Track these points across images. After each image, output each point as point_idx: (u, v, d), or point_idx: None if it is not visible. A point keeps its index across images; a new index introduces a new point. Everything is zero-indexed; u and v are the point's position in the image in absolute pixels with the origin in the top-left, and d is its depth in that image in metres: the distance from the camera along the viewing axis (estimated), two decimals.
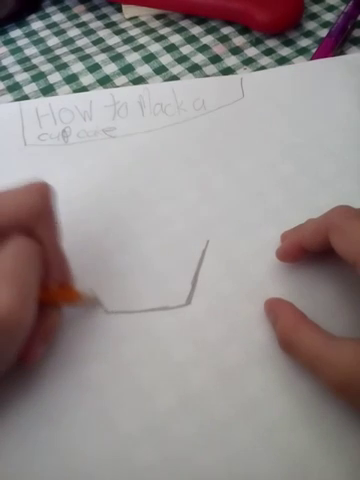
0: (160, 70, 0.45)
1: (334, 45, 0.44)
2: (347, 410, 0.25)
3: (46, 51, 0.48)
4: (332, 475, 0.24)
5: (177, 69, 0.45)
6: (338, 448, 0.24)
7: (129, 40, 0.48)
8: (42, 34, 0.50)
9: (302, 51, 0.46)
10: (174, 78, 0.44)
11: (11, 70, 0.46)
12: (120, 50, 0.47)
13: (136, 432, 0.25)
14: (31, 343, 0.25)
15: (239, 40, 0.47)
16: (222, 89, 0.41)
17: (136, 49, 0.47)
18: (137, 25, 0.50)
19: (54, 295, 0.27)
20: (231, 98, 0.40)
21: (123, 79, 0.44)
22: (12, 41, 0.49)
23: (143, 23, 0.50)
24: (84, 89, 0.44)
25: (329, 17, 0.49)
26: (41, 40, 0.49)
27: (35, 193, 0.25)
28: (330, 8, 0.50)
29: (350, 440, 0.24)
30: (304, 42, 0.47)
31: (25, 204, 0.25)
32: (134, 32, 0.49)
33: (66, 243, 0.32)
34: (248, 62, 0.45)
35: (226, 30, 0.48)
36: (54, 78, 0.45)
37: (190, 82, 0.43)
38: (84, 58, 0.46)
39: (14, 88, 0.44)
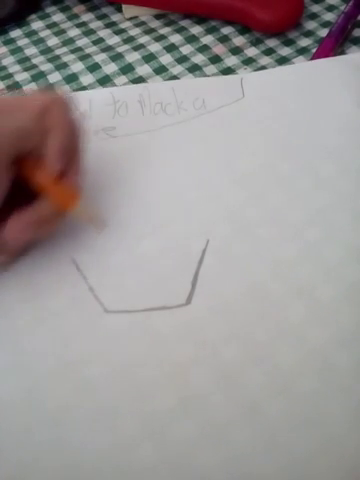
0: (160, 70, 0.45)
1: (334, 45, 0.44)
2: (348, 410, 0.25)
3: (46, 51, 0.48)
4: (332, 475, 0.24)
5: (177, 69, 0.45)
6: (338, 448, 0.24)
7: (129, 40, 0.48)
8: (42, 34, 0.50)
9: (302, 51, 0.46)
10: (174, 78, 0.44)
11: (11, 70, 0.46)
12: (120, 50, 0.47)
13: (136, 432, 0.25)
14: (14, 222, 0.27)
15: (239, 40, 0.47)
16: (222, 89, 0.41)
17: (136, 49, 0.47)
18: (137, 25, 0.50)
19: (45, 184, 0.28)
20: (231, 98, 0.40)
21: (123, 79, 0.44)
22: (12, 41, 0.49)
23: (143, 23, 0.50)
24: (84, 89, 0.44)
25: (329, 17, 0.49)
26: (41, 40, 0.49)
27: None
28: (330, 8, 0.50)
29: (350, 440, 0.24)
30: (304, 42, 0.47)
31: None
32: (134, 32, 0.49)
33: (66, 241, 0.32)
34: (248, 62, 0.45)
35: (226, 30, 0.48)
36: (54, 78, 0.45)
37: (190, 81, 0.43)
38: (84, 58, 0.46)
39: (14, 88, 0.44)
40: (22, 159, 0.28)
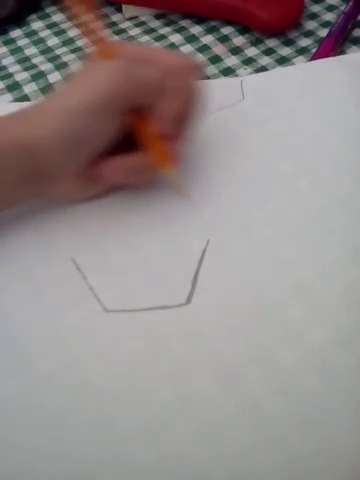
0: None
1: (334, 45, 0.44)
2: (347, 410, 0.25)
3: (46, 51, 0.48)
4: (331, 474, 0.24)
5: None
6: (337, 447, 0.24)
7: (129, 40, 0.48)
8: (42, 34, 0.50)
9: (302, 51, 0.46)
10: None
11: (11, 70, 0.46)
12: None
13: (135, 432, 0.25)
14: (110, 162, 0.30)
15: (239, 40, 0.47)
16: (222, 91, 0.41)
17: None
18: (137, 25, 0.50)
19: (149, 141, 0.30)
20: (231, 100, 0.40)
21: None
22: (12, 41, 0.49)
23: (143, 23, 0.50)
24: None
25: (329, 17, 0.49)
26: (41, 40, 0.49)
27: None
28: (330, 8, 0.50)
29: (350, 439, 0.24)
30: (304, 42, 0.47)
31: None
32: (134, 32, 0.49)
33: (66, 241, 0.32)
34: (248, 62, 0.45)
35: (226, 30, 0.48)
36: (54, 77, 0.45)
37: None
38: (84, 57, 0.46)
39: (14, 87, 0.44)
40: (136, 111, 0.30)
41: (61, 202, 0.33)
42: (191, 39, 0.48)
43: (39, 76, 0.45)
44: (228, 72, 0.44)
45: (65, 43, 0.49)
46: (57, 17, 0.52)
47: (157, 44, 0.47)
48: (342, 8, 0.49)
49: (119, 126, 0.30)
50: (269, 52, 0.46)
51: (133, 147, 0.30)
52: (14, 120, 0.29)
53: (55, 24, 0.51)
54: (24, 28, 0.51)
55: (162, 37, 0.48)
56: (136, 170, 0.31)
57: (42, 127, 0.28)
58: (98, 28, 0.30)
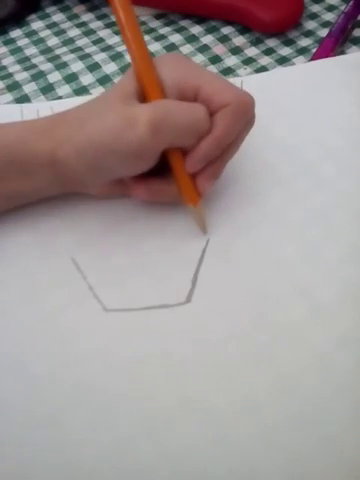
0: None
1: (334, 45, 0.44)
2: (347, 409, 0.25)
3: (46, 51, 0.48)
4: (332, 475, 0.24)
5: None
6: (338, 447, 0.24)
7: None
8: (42, 34, 0.50)
9: (302, 51, 0.46)
10: None
11: (11, 70, 0.46)
12: (120, 49, 0.47)
13: (135, 431, 0.25)
14: (136, 182, 0.30)
15: (239, 40, 0.47)
16: None
17: None
18: None
19: (178, 174, 0.30)
20: None
21: None
22: (12, 41, 0.49)
23: (143, 23, 0.50)
24: (84, 88, 0.44)
25: (329, 17, 0.49)
26: (41, 40, 0.49)
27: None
28: (330, 8, 0.50)
29: (350, 439, 0.24)
30: (304, 42, 0.47)
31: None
32: None
33: (66, 241, 0.32)
34: (248, 62, 0.45)
35: (226, 30, 0.48)
36: (54, 77, 0.45)
37: None
38: (84, 57, 0.46)
39: (14, 87, 0.44)
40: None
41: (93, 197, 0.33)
42: (191, 39, 0.48)
43: (39, 76, 0.45)
44: (228, 72, 0.44)
45: (65, 43, 0.49)
46: (57, 17, 0.52)
47: (157, 44, 0.47)
48: (342, 8, 0.49)
49: (145, 167, 0.29)
50: (269, 52, 0.46)
51: (163, 163, 0.29)
52: (43, 131, 0.30)
53: (55, 24, 0.51)
54: (24, 28, 0.51)
55: (162, 37, 0.48)
56: (161, 194, 0.31)
57: (64, 147, 0.28)
58: (139, 41, 0.29)
